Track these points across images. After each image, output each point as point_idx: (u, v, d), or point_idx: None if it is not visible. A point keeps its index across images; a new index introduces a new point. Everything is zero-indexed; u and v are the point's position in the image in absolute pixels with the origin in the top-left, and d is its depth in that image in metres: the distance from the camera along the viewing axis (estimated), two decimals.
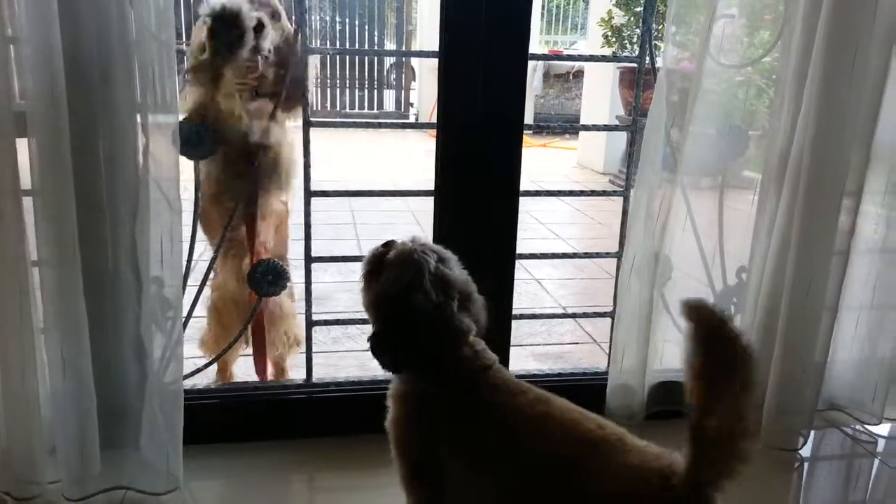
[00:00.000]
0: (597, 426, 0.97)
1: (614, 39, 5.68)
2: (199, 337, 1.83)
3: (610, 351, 1.75)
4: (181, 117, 1.46)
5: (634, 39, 5.41)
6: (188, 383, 1.43)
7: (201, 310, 1.71)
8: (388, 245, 1.14)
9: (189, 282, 1.51)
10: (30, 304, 1.26)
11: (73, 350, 1.28)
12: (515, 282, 1.67)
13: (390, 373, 1.12)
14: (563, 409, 1.02)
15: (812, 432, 1.69)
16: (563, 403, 1.03)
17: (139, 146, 1.30)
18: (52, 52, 1.18)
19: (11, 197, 1.22)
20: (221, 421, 1.60)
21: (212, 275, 1.70)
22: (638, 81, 1.70)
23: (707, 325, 0.83)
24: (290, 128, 1.66)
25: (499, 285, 1.64)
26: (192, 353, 1.75)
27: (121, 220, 1.34)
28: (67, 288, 1.27)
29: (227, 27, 1.49)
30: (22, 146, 1.22)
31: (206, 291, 1.73)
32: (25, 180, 1.23)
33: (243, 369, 2.02)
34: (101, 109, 1.29)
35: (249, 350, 1.84)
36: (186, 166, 1.41)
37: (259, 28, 1.53)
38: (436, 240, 1.59)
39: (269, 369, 1.89)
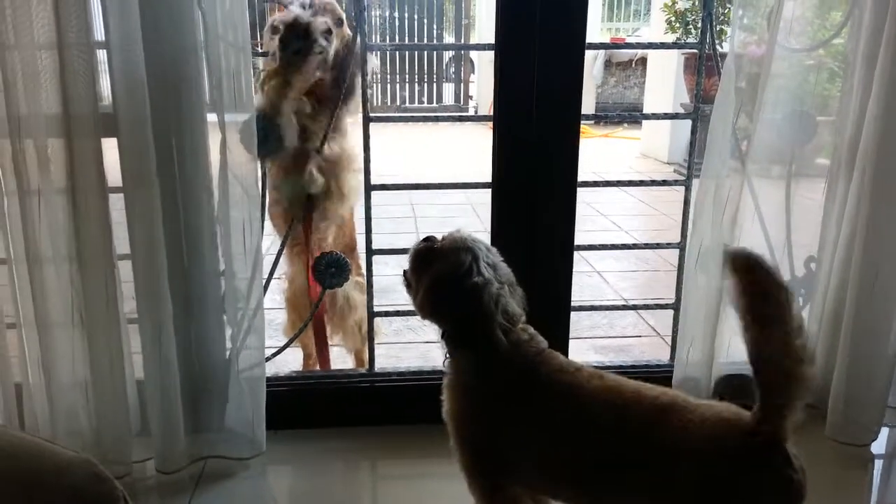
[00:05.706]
0: (660, 392, 1.03)
1: (678, 25, 5.53)
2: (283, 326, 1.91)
3: (674, 343, 1.72)
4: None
5: (699, 25, 5.25)
6: (256, 372, 1.49)
7: (270, 301, 1.77)
8: (429, 240, 1.17)
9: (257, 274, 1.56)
10: (116, 297, 1.35)
11: (162, 337, 1.38)
12: (576, 274, 1.67)
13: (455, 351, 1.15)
14: (621, 381, 1.07)
15: (889, 430, 1.62)
16: (617, 377, 1.07)
17: (216, 143, 1.37)
18: (136, 56, 1.26)
19: (98, 194, 1.30)
20: (288, 408, 1.64)
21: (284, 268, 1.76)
22: (700, 68, 1.66)
23: (747, 273, 0.91)
24: (351, 132, 1.69)
25: (557, 276, 1.64)
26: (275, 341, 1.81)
27: (200, 214, 1.41)
28: (154, 280, 1.35)
29: (297, 36, 1.54)
30: (107, 146, 1.30)
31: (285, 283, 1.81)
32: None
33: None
34: (179, 109, 1.36)
35: (332, 340, 1.88)
36: None
37: (327, 35, 1.58)
38: (493, 231, 1.60)
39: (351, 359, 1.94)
